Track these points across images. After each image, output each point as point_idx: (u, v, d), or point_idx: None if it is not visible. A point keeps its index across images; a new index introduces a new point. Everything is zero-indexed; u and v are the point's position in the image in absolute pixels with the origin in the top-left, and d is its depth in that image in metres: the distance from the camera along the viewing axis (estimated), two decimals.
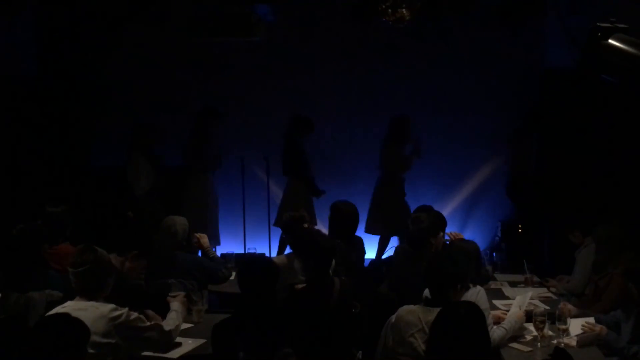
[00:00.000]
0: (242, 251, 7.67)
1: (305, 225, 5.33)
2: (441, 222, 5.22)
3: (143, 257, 4.50)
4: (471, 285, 4.10)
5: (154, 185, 7.19)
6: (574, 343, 4.03)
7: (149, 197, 7.06)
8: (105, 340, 3.45)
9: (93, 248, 3.66)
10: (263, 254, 4.88)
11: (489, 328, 3.85)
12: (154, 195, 7.08)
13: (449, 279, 3.74)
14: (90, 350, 3.27)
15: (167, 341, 3.87)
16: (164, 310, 4.54)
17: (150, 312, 4.04)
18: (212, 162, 7.58)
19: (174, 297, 4.27)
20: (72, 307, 3.49)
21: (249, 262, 4.20)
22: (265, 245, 7.97)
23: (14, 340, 3.85)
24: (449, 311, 3.26)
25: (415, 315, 3.71)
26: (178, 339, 4.15)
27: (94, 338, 3.34)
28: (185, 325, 4.41)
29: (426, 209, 5.63)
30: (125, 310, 3.57)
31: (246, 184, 8.08)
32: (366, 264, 6.26)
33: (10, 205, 6.96)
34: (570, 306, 4.39)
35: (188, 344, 4.09)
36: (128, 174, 7.20)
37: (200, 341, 4.13)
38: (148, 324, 3.71)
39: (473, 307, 3.27)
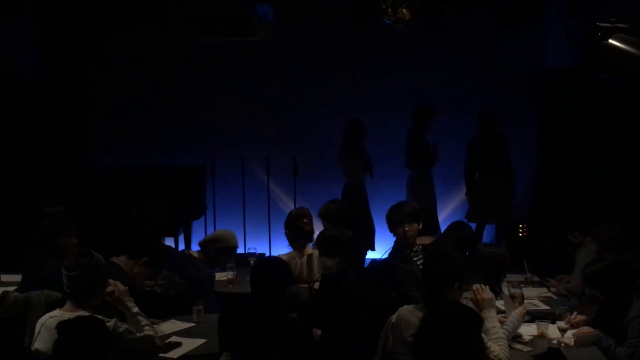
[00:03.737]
0: (242, 251, 7.67)
1: (305, 221, 5.34)
2: None
3: (153, 266, 4.49)
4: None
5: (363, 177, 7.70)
6: (573, 343, 4.03)
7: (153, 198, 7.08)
8: None
9: (90, 252, 3.59)
10: (277, 256, 4.85)
11: (494, 341, 3.84)
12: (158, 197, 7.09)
13: (445, 278, 3.73)
14: None
15: (156, 354, 3.78)
16: (167, 309, 4.56)
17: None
18: (430, 158, 7.70)
19: (111, 293, 3.73)
20: (59, 317, 3.40)
21: (264, 263, 4.20)
22: (266, 245, 7.97)
23: (14, 340, 3.86)
24: (443, 310, 3.22)
25: (415, 316, 3.70)
26: (178, 339, 4.16)
27: None
28: (185, 325, 4.42)
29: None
30: (112, 322, 3.47)
31: (246, 184, 8.08)
32: (365, 263, 6.25)
33: (10, 204, 6.97)
34: (580, 317, 4.34)
35: (188, 344, 4.09)
36: (342, 167, 7.64)
37: (200, 341, 4.12)
38: (138, 335, 3.62)
39: (470, 312, 3.23)
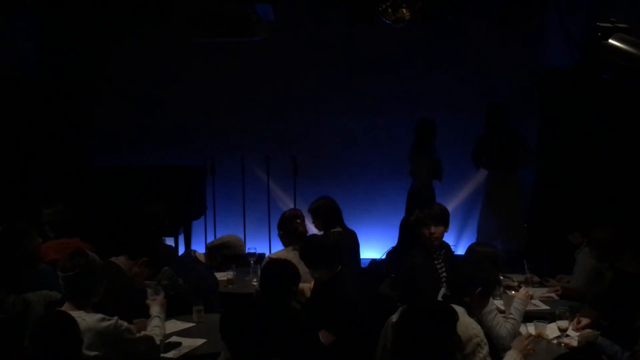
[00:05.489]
0: None
1: (298, 221, 5.36)
2: None
3: (152, 266, 4.49)
4: None
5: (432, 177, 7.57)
6: (574, 343, 4.03)
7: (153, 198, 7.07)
8: (92, 353, 3.39)
9: (84, 252, 3.61)
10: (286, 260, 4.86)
11: (498, 327, 3.89)
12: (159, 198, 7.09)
13: (469, 280, 3.72)
14: None
15: (156, 354, 3.79)
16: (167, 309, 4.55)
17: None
18: (520, 159, 7.32)
19: (154, 300, 4.14)
20: None
21: (275, 265, 4.22)
22: (266, 245, 7.97)
23: (14, 340, 3.86)
24: (418, 308, 3.24)
25: None
26: (178, 339, 4.16)
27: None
28: (185, 325, 4.42)
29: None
30: (113, 320, 3.50)
31: (246, 184, 8.08)
32: (365, 263, 6.23)
33: (10, 204, 6.95)
34: (585, 320, 4.34)
35: (188, 344, 4.09)
36: (411, 166, 7.53)
37: (200, 341, 4.12)
38: (138, 335, 3.64)
39: (445, 308, 3.25)
